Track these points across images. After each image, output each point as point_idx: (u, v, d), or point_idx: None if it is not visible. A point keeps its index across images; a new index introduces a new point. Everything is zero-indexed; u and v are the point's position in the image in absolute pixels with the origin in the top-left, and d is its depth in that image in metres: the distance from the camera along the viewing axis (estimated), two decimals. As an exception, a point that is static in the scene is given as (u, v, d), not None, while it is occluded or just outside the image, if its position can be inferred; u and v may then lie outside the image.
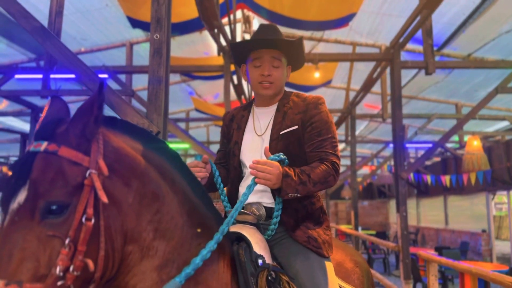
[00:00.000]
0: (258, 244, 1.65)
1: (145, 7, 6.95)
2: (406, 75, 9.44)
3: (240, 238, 1.67)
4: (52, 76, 5.42)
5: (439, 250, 7.84)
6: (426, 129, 11.02)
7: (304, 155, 1.81)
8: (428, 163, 16.17)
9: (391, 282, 6.40)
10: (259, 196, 1.82)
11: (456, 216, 14.05)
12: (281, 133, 1.81)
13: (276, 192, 1.69)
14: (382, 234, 13.06)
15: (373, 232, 14.21)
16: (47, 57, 5.17)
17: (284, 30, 8.73)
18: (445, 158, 14.39)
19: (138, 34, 8.44)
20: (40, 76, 5.44)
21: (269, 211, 1.80)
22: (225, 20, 7.34)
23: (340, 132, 13.67)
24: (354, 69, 9.33)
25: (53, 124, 1.21)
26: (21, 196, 1.11)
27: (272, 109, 1.91)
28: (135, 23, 7.34)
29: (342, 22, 7.46)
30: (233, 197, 1.92)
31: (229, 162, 1.96)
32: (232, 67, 6.05)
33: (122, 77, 8.42)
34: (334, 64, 9.29)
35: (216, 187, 1.90)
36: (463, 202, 13.50)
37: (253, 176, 1.60)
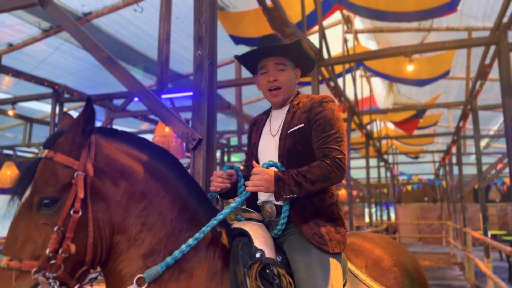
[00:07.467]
0: (259, 239, 1.75)
1: (244, 23, 7.41)
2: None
3: (243, 234, 1.79)
4: (163, 96, 6.18)
5: None
6: None
7: (312, 152, 1.88)
8: None
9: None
10: (270, 195, 1.91)
11: None
12: (288, 131, 1.92)
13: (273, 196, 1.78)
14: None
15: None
16: (159, 80, 5.90)
17: (386, 24, 8.39)
18: None
19: (244, 49, 8.98)
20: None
21: (279, 208, 1.88)
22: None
23: (469, 127, 12.36)
24: (476, 57, 8.42)
25: (56, 135, 1.53)
26: (27, 193, 1.44)
27: (285, 110, 2.03)
28: (238, 40, 7.85)
29: (448, 8, 6.86)
30: (252, 193, 2.03)
31: (250, 163, 2.10)
32: (325, 73, 6.05)
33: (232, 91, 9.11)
34: (450, 54, 8.54)
35: (237, 194, 2.00)
36: None
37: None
